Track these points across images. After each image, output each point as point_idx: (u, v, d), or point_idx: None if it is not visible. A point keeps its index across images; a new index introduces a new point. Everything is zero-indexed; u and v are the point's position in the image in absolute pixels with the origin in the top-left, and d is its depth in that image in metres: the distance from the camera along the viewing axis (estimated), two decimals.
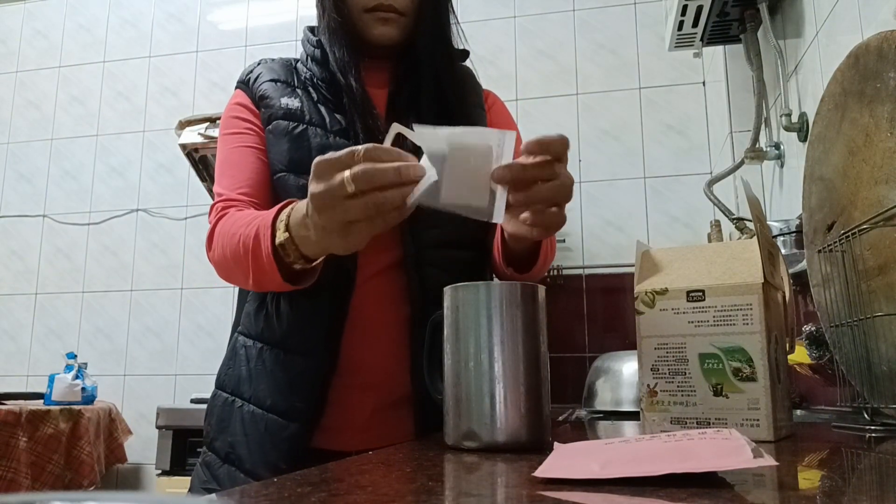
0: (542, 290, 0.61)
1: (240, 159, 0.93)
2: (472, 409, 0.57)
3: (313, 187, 0.62)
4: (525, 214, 0.65)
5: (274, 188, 0.92)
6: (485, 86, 1.05)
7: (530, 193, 0.63)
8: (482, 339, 0.57)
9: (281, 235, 0.72)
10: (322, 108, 0.92)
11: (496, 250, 0.91)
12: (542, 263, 0.88)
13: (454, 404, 0.58)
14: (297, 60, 1.00)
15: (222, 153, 0.95)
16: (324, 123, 0.90)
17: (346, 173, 0.60)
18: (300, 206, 0.70)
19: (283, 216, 0.73)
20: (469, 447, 0.56)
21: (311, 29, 1.00)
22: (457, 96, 0.95)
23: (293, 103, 0.92)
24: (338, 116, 0.90)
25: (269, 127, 0.92)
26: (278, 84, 0.95)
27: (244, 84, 0.98)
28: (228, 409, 0.90)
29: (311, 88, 0.94)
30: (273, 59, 1.00)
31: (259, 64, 0.99)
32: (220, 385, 0.94)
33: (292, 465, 0.81)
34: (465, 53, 1.00)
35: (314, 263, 0.75)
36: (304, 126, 0.90)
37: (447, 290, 0.62)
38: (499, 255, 0.90)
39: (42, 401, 2.38)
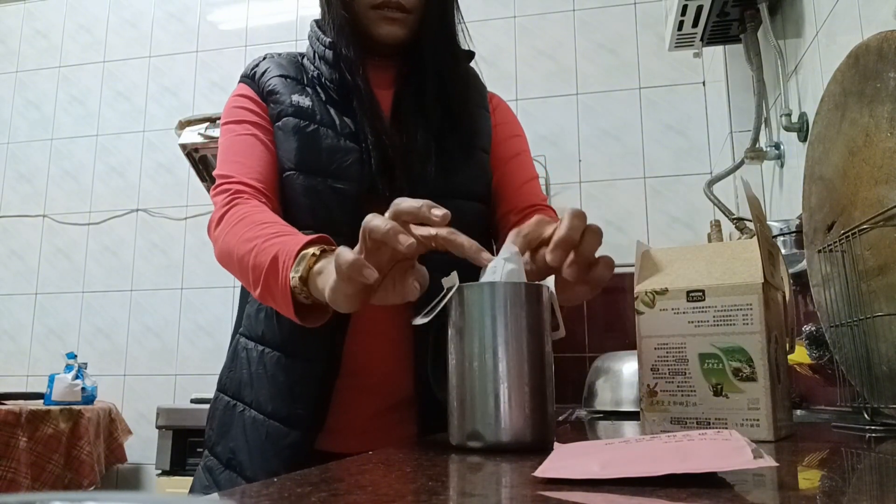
0: (546, 290, 0.61)
1: (248, 148, 0.89)
2: (476, 409, 0.57)
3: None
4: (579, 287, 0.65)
5: (280, 188, 0.89)
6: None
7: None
8: (486, 338, 0.57)
9: (298, 273, 0.67)
10: (331, 110, 0.89)
11: None
12: None
13: (458, 404, 0.58)
14: (302, 56, 0.97)
15: (227, 140, 0.90)
16: (334, 125, 0.88)
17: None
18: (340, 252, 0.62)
19: (314, 251, 0.68)
20: (473, 447, 0.56)
21: (320, 25, 0.96)
22: (461, 97, 0.94)
23: (304, 101, 0.90)
24: (346, 119, 0.88)
25: (279, 123, 0.89)
26: (288, 80, 0.92)
27: (249, 78, 0.95)
28: (230, 413, 0.90)
29: (318, 87, 0.91)
30: (279, 54, 0.97)
31: (265, 58, 0.96)
32: (221, 388, 0.93)
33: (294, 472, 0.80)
34: (470, 54, 0.98)
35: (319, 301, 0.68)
36: (316, 126, 0.88)
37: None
38: None
39: (42, 401, 2.38)
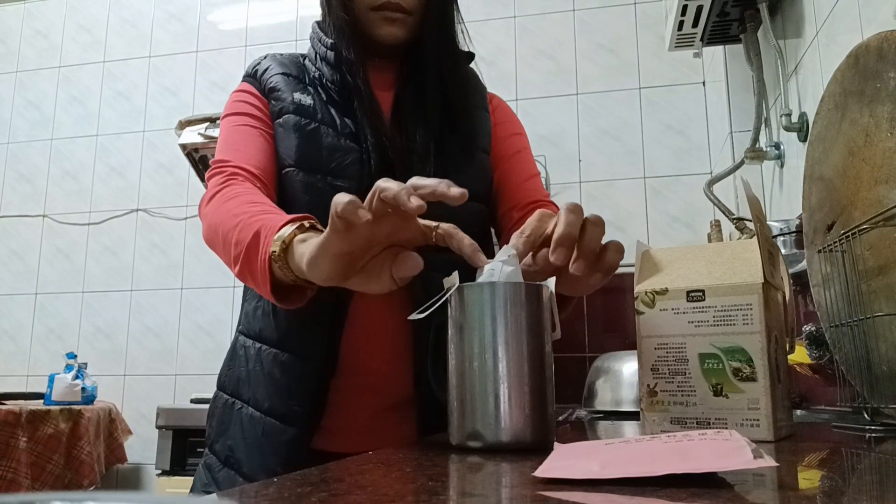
0: (546, 289, 0.61)
1: (247, 138, 0.89)
2: (476, 409, 0.57)
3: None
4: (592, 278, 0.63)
5: (279, 184, 0.89)
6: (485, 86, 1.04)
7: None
8: (486, 338, 0.57)
9: (278, 243, 0.66)
10: (332, 109, 0.90)
11: None
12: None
13: (458, 404, 0.58)
14: (304, 57, 0.98)
15: (226, 130, 0.90)
16: (334, 124, 0.88)
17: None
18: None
19: (292, 228, 0.67)
20: (473, 447, 0.56)
21: (321, 27, 0.97)
22: (461, 98, 0.94)
23: (306, 99, 0.90)
24: (347, 120, 0.89)
25: (280, 120, 0.90)
26: (290, 78, 0.93)
27: (251, 76, 0.96)
28: (228, 411, 0.90)
29: (319, 88, 0.92)
30: (281, 54, 0.98)
31: (266, 57, 0.97)
32: (220, 386, 0.94)
33: (291, 469, 0.79)
34: (470, 55, 0.99)
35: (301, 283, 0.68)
36: (316, 124, 0.88)
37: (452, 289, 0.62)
38: None
39: (42, 401, 2.38)
